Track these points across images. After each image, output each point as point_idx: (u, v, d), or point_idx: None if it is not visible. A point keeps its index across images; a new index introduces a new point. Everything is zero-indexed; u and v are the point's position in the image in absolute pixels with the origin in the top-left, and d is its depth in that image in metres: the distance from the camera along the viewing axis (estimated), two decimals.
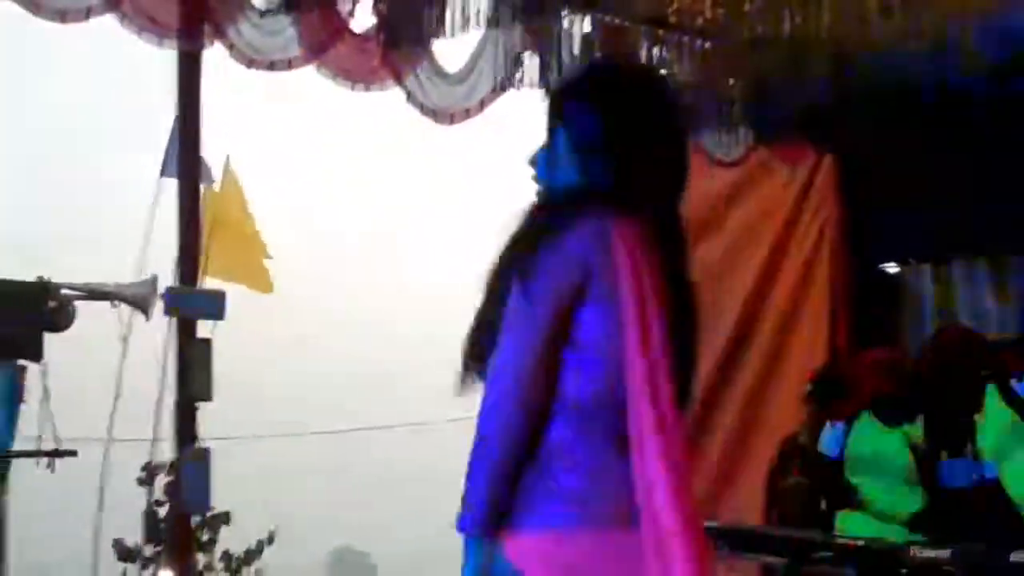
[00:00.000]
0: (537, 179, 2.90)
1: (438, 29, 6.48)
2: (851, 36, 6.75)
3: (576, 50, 6.91)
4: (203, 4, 6.06)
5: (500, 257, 2.76)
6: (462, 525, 2.59)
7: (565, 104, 2.90)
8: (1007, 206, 7.26)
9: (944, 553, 5.33)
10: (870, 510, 6.12)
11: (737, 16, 6.85)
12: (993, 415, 5.65)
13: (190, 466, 6.20)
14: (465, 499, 2.58)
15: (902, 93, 7.07)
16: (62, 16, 5.83)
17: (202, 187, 6.84)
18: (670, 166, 2.90)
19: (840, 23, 6.64)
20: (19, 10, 5.73)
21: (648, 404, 2.59)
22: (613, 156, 2.75)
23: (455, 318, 3.20)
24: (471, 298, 2.98)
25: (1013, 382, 5.63)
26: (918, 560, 5.40)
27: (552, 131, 2.88)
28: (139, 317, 9.70)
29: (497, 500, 2.55)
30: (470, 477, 2.58)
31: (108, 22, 5.92)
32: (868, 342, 7.32)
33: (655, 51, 7.27)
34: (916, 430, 6.09)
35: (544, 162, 2.87)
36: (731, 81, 7.51)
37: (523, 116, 6.01)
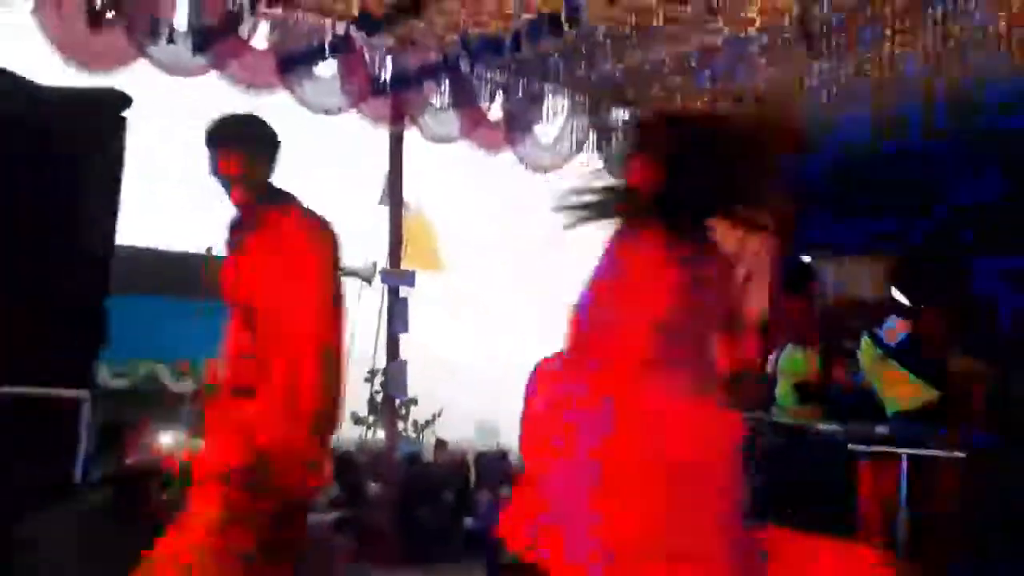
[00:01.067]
0: None
1: (538, 118, 6.63)
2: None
3: (619, 132, 6.89)
4: (405, 104, 6.25)
5: None
6: None
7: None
8: (875, 224, 7.16)
9: (831, 427, 5.35)
10: (789, 403, 5.91)
11: (716, 111, 6.61)
12: (865, 350, 5.51)
13: (394, 370, 6.25)
14: None
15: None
16: (324, 111, 5.99)
17: (404, 212, 6.78)
18: None
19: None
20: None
21: None
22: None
23: None
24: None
25: (877, 330, 5.45)
26: (817, 432, 5.39)
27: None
28: (366, 285, 10.14)
29: None
30: None
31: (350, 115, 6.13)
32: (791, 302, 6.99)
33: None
34: (815, 354, 5.95)
35: None
36: None
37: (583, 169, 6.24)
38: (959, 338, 5.55)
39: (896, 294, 6.11)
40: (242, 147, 2.92)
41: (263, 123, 3.03)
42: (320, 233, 2.91)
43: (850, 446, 5.21)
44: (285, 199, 2.96)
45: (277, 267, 2.79)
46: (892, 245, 7.07)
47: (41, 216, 3.81)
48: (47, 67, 4.66)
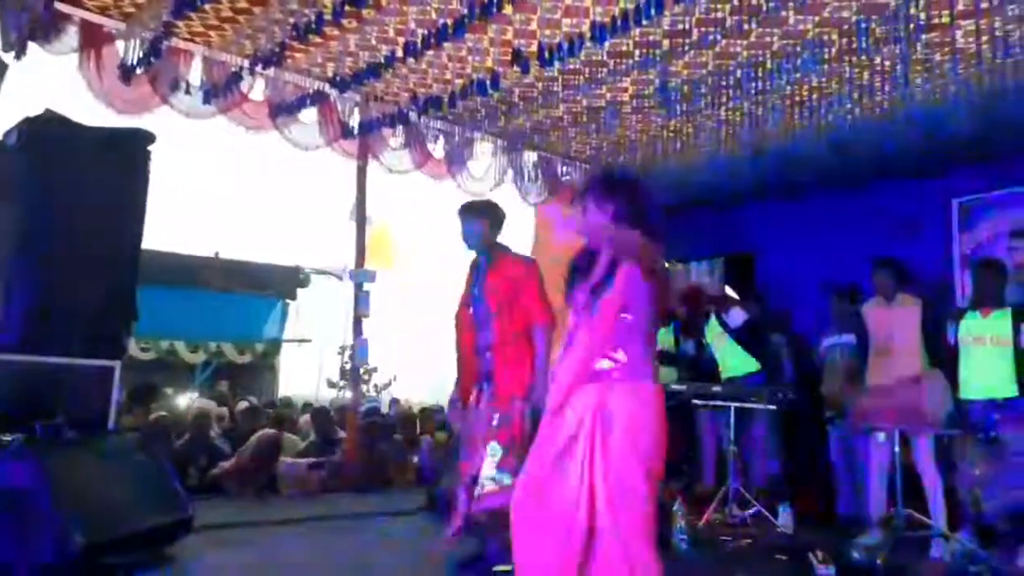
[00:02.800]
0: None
1: (470, 156, 6.61)
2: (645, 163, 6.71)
3: (529, 168, 6.95)
4: (369, 144, 6.10)
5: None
6: None
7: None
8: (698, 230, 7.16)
9: (682, 386, 5.40)
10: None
11: (600, 155, 6.92)
12: (712, 328, 5.57)
13: (359, 344, 6.11)
14: None
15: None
16: (304, 148, 5.86)
17: (367, 226, 6.49)
18: None
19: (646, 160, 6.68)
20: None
21: None
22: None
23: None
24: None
25: (723, 314, 5.51)
26: (673, 390, 5.29)
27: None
28: (339, 281, 9.93)
29: None
30: None
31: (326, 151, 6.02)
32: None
33: (564, 168, 7.24)
34: (671, 331, 6.08)
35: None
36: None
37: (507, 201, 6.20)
38: (775, 324, 5.68)
39: (728, 289, 6.34)
40: (489, 219, 3.42)
41: (498, 206, 3.54)
42: (526, 264, 3.39)
43: (693, 400, 5.33)
44: (504, 248, 3.44)
45: (508, 284, 3.31)
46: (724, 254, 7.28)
47: (85, 226, 3.75)
48: (90, 111, 4.63)
